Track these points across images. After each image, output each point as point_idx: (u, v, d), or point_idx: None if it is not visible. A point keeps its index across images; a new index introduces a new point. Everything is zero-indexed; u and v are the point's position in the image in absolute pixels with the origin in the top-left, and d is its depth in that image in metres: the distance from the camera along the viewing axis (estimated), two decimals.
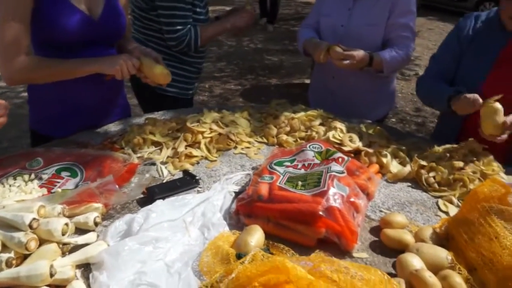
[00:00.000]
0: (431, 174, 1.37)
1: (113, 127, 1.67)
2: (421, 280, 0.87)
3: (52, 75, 1.44)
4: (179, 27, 1.82)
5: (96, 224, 1.05)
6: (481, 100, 1.40)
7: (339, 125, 1.57)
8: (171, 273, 0.92)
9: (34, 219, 0.90)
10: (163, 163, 1.41)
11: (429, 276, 0.88)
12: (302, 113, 1.71)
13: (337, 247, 1.04)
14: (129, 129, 1.58)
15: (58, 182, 1.24)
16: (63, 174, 1.29)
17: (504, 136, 1.38)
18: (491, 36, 1.58)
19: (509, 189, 1.01)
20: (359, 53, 1.74)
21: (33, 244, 0.89)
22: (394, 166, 1.42)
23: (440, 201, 1.29)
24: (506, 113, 1.38)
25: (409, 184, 1.39)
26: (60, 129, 1.57)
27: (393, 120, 4.66)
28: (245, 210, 1.09)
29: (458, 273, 0.92)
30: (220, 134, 1.55)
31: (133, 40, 1.78)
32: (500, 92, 1.39)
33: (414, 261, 0.94)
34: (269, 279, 0.67)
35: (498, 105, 1.35)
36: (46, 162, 1.34)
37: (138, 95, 2.13)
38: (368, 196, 1.25)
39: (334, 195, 1.06)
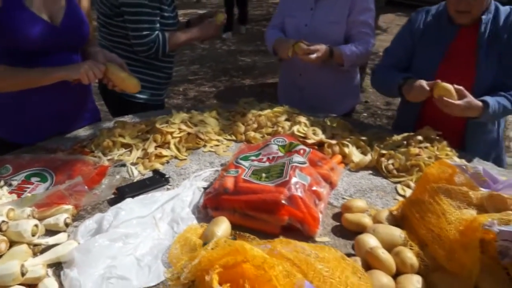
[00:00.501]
0: (390, 161, 1.45)
1: (82, 132, 1.69)
2: (375, 256, 0.94)
3: (18, 84, 1.46)
4: (146, 33, 1.84)
5: (66, 225, 1.08)
6: (427, 87, 1.48)
7: (303, 119, 1.64)
8: (141, 266, 0.96)
9: (3, 221, 0.93)
10: (133, 164, 1.45)
11: (382, 252, 0.95)
12: (269, 110, 1.77)
13: (301, 233, 1.09)
14: (98, 133, 1.60)
15: (28, 188, 1.26)
16: (33, 179, 1.31)
17: (458, 102, 1.45)
18: (440, 29, 1.67)
19: (455, 170, 1.09)
20: (321, 47, 1.81)
21: (3, 246, 0.91)
22: (356, 156, 1.49)
23: (399, 186, 1.36)
24: None
25: (371, 172, 1.46)
26: (29, 136, 1.58)
27: (365, 114, 4.78)
28: (212, 203, 1.14)
29: (410, 248, 0.99)
30: (189, 133, 1.59)
31: (98, 45, 1.80)
32: (449, 83, 1.49)
33: (370, 241, 1.00)
34: (228, 261, 0.72)
35: (445, 84, 1.43)
36: (15, 169, 1.36)
37: (107, 102, 2.12)
38: (331, 184, 1.32)
39: (296, 184, 1.12)
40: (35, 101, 1.55)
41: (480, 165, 1.47)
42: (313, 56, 1.80)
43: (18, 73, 1.44)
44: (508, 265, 0.91)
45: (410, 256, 0.95)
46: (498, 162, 1.71)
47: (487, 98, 1.48)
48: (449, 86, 1.45)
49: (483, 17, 1.58)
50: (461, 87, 1.46)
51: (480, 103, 1.46)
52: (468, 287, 0.89)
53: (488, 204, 1.01)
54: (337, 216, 1.20)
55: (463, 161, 1.36)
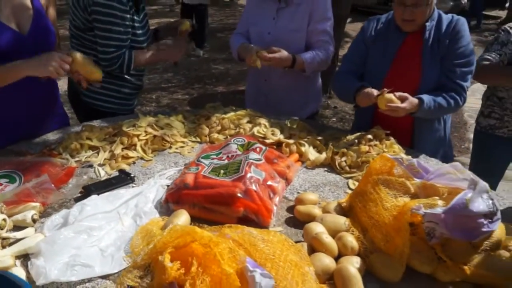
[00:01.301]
0: (343, 158, 1.57)
1: (51, 136, 1.74)
2: (319, 241, 1.04)
3: None
4: (112, 49, 1.87)
5: (34, 221, 1.14)
6: (375, 93, 1.61)
7: (263, 121, 1.74)
8: (104, 256, 1.03)
9: None
10: (100, 165, 1.51)
11: (325, 237, 1.05)
12: (232, 113, 1.87)
13: (256, 224, 1.18)
14: (67, 136, 1.66)
15: None
16: (2, 181, 1.36)
17: (402, 105, 1.57)
18: (389, 36, 1.81)
19: (393, 163, 1.21)
20: (282, 54, 1.92)
21: None
22: (312, 154, 1.60)
23: (350, 181, 1.48)
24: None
25: (325, 169, 1.57)
26: None
27: (334, 119, 4.95)
28: (173, 198, 1.22)
29: (352, 234, 1.10)
30: (155, 136, 1.67)
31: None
32: (398, 84, 1.62)
33: (317, 228, 1.10)
34: (179, 242, 0.80)
35: (388, 95, 1.56)
36: None
37: (77, 110, 2.15)
38: (287, 180, 1.42)
39: (251, 179, 1.21)
40: (2, 105, 1.59)
41: (426, 161, 1.61)
42: (276, 55, 1.90)
43: None
44: (435, 245, 1.02)
45: (351, 240, 1.06)
46: (446, 159, 1.85)
47: (423, 96, 1.62)
48: (391, 96, 1.57)
49: (427, 24, 1.72)
50: (403, 93, 1.59)
51: (416, 100, 1.59)
52: (401, 266, 1.00)
53: (421, 192, 1.13)
54: (291, 209, 1.30)
55: (402, 155, 1.47)
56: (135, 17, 1.94)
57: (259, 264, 0.79)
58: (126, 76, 2.04)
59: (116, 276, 0.98)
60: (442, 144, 1.91)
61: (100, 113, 2.02)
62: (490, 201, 1.00)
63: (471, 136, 4.64)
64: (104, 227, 1.11)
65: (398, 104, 1.57)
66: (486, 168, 2.21)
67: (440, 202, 1.01)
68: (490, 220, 0.99)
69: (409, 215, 1.01)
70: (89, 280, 0.97)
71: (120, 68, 1.92)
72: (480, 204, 0.97)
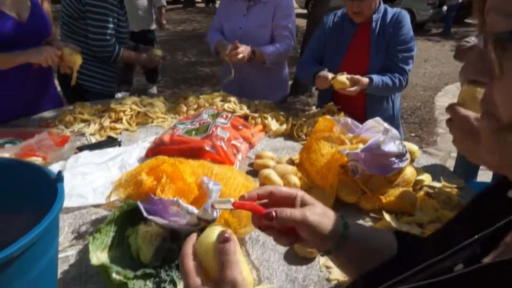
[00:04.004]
0: (300, 128, 1.84)
1: (47, 114, 1.99)
2: (269, 179, 1.31)
3: None
4: (108, 37, 2.17)
5: None
6: (330, 76, 1.89)
7: (233, 99, 2.01)
8: (96, 193, 1.28)
9: None
10: (91, 134, 1.76)
11: (274, 176, 1.31)
12: (207, 95, 2.13)
13: None
14: (61, 112, 1.91)
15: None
16: (6, 145, 1.60)
17: (352, 89, 1.86)
18: (344, 28, 2.10)
19: (333, 122, 1.48)
20: (244, 49, 2.18)
21: None
22: (274, 126, 1.87)
23: None
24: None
25: (286, 138, 1.84)
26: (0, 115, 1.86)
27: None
28: (152, 152, 1.47)
29: (295, 175, 1.36)
30: (139, 112, 1.92)
31: (58, 40, 2.11)
32: (351, 68, 1.91)
33: (269, 172, 1.37)
34: (153, 164, 1.06)
35: (341, 77, 1.84)
36: None
37: (65, 91, 2.42)
38: (251, 144, 1.69)
39: (217, 137, 1.48)
40: (2, 85, 1.83)
41: None
42: (239, 56, 2.17)
43: None
44: (358, 180, 1.30)
45: (294, 178, 1.33)
46: None
47: (373, 76, 1.90)
48: (343, 78, 1.85)
49: (374, 16, 2.02)
50: (354, 76, 1.87)
51: (367, 79, 1.88)
52: (332, 196, 1.26)
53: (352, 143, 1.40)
54: (251, 165, 1.56)
55: (340, 118, 1.74)
56: (120, 14, 2.22)
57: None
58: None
59: (105, 205, 1.23)
60: (391, 123, 2.18)
61: (86, 92, 2.29)
62: (401, 146, 1.27)
63: (439, 130, 4.99)
64: (95, 173, 1.36)
65: (349, 88, 1.85)
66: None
67: (361, 146, 1.28)
68: (400, 160, 1.27)
69: (338, 156, 1.28)
70: (84, 207, 1.22)
71: (111, 55, 2.20)
72: (391, 147, 1.25)
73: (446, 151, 4.34)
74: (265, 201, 0.66)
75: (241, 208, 0.64)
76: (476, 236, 0.47)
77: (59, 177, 0.74)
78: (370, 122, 1.39)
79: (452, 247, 0.49)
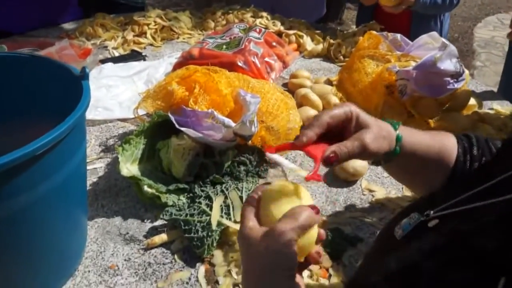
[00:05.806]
0: (338, 49, 1.68)
1: (67, 25, 1.87)
2: (307, 98, 1.20)
3: None
4: None
5: None
6: None
7: (265, 14, 1.85)
8: (122, 106, 1.21)
9: None
10: (114, 48, 1.65)
11: (312, 95, 1.21)
12: (237, 10, 1.96)
13: None
14: (81, 23, 1.79)
15: None
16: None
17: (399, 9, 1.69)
18: None
19: (379, 39, 1.33)
20: None
21: None
22: (309, 45, 1.72)
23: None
24: None
25: (322, 59, 1.70)
26: (18, 25, 1.75)
27: None
28: (180, 66, 1.34)
29: (335, 95, 1.25)
30: (163, 26, 1.79)
31: None
32: None
33: (306, 91, 1.26)
34: (184, 73, 0.96)
35: None
36: (10, 49, 1.55)
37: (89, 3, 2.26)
38: (284, 63, 1.56)
39: (250, 51, 1.35)
40: None
41: None
42: None
43: None
44: (406, 102, 1.18)
45: (334, 98, 1.22)
46: None
47: None
48: None
49: None
50: None
51: None
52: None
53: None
54: (286, 85, 1.45)
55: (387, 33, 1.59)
56: None
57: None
58: None
59: (132, 120, 1.16)
60: None
61: (113, 4, 2.12)
62: (458, 64, 1.13)
63: (477, 63, 4.69)
64: (120, 86, 1.28)
65: (394, 4, 1.67)
66: None
67: (412, 63, 1.14)
68: (455, 80, 1.13)
69: (386, 75, 1.15)
70: (111, 121, 1.15)
71: None
72: (448, 65, 1.11)
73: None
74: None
75: (312, 157, 0.52)
76: None
77: (84, 73, 0.65)
78: (423, 38, 1.24)
79: None
